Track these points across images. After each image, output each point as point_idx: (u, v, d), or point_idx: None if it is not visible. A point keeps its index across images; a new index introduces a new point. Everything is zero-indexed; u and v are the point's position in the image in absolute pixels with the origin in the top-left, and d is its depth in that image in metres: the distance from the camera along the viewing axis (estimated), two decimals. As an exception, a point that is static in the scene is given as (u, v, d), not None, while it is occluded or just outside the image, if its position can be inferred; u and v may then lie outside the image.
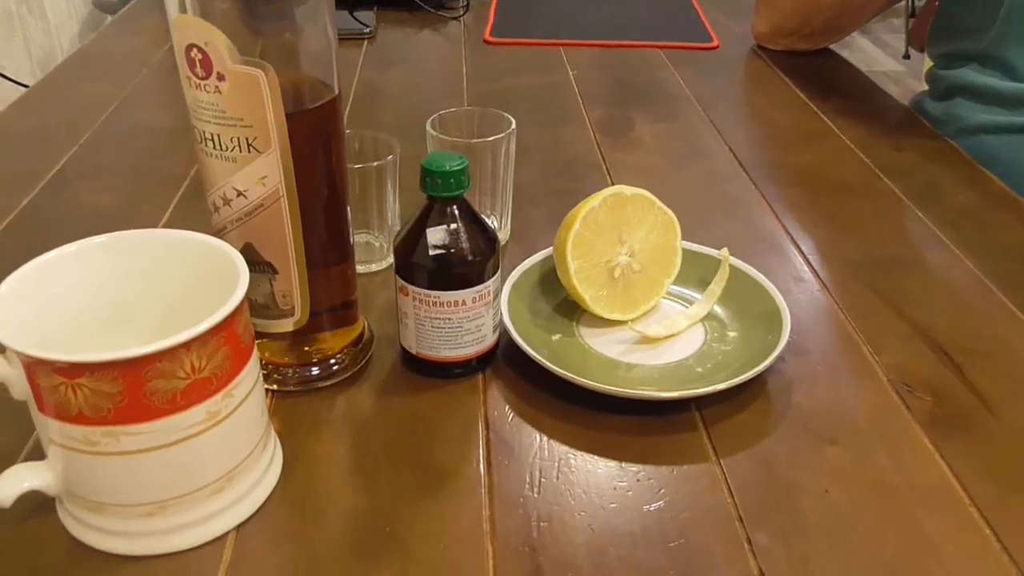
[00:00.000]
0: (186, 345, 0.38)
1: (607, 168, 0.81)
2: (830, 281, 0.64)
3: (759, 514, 0.45)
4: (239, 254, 0.43)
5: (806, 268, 0.66)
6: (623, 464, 0.48)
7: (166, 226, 0.71)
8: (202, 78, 0.43)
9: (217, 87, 0.43)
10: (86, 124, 0.89)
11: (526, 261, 0.61)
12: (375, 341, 0.57)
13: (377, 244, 0.66)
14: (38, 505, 0.43)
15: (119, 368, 0.37)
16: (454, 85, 1.00)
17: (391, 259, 0.64)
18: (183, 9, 0.42)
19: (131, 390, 0.37)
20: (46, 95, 0.97)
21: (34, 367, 0.37)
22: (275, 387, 0.53)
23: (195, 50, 0.43)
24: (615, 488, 0.46)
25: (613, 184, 0.77)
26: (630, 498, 0.46)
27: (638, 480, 0.47)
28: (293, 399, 0.52)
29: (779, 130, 0.90)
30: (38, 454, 0.43)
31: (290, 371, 0.53)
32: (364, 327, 0.57)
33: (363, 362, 0.55)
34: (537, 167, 0.81)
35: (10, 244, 0.68)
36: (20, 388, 0.39)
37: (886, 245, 0.69)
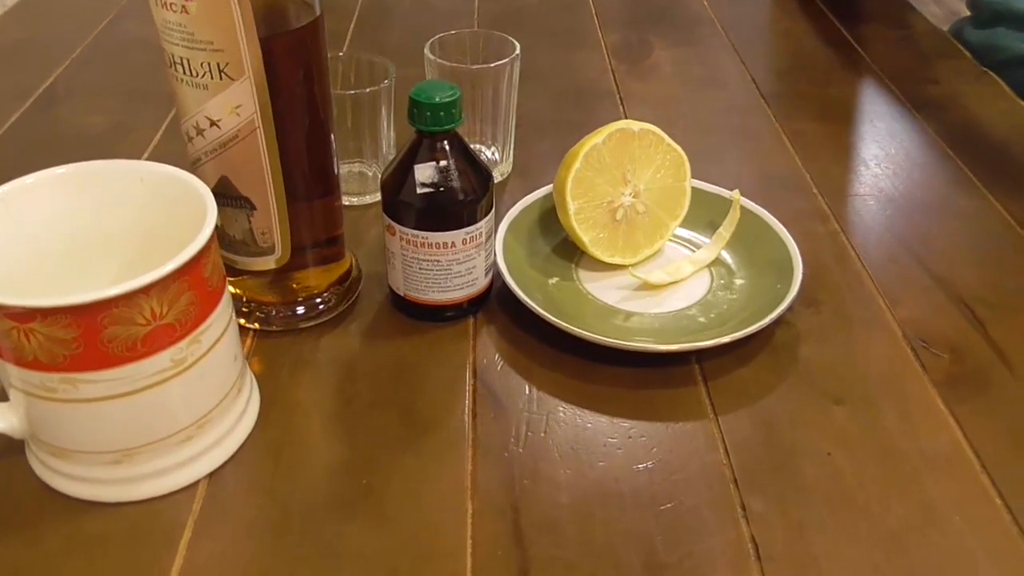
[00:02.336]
0: (145, 290, 0.35)
1: (620, 98, 0.77)
2: (849, 225, 0.61)
3: (755, 477, 0.43)
4: (208, 190, 0.40)
5: (825, 210, 0.62)
6: (614, 419, 0.46)
7: (155, 150, 0.68)
8: (167, -4, 0.40)
9: (184, 6, 0.40)
10: (79, 37, 0.85)
11: (525, 198, 0.57)
12: (363, 279, 0.54)
13: (370, 174, 0.63)
14: (5, 446, 0.42)
15: (72, 314, 0.34)
16: (465, 3, 0.95)
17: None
18: (143, -81, 0.39)
19: (87, 336, 0.35)
20: (38, 5, 0.93)
21: (-17, 310, 0.35)
22: (256, 326, 0.50)
23: (158, -35, 0.39)
24: (605, 445, 0.44)
25: (625, 115, 0.73)
26: (620, 456, 0.44)
27: (630, 437, 0.45)
28: (275, 339, 0.50)
29: (806, 58, 0.85)
30: (3, 394, 0.41)
31: (273, 310, 0.50)
32: (351, 264, 0.54)
33: (350, 302, 0.53)
34: (545, 95, 0.77)
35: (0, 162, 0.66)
36: (-26, 330, 0.36)
37: (913, 187, 0.65)
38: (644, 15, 0.93)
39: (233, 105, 0.42)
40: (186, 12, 0.40)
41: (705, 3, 0.96)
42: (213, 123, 0.43)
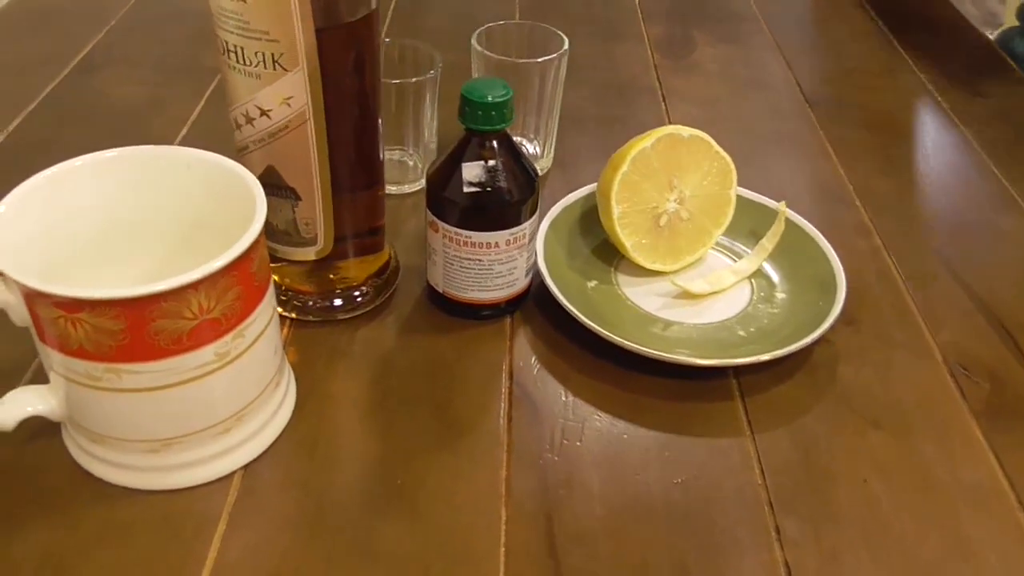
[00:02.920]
0: (194, 285, 0.35)
1: (662, 94, 0.76)
2: (891, 241, 0.60)
3: (791, 500, 0.42)
4: (257, 183, 0.40)
5: (867, 224, 0.61)
6: (651, 431, 0.45)
7: (194, 125, 0.68)
8: (226, -16, 0.39)
9: (242, -5, 0.39)
10: (118, 4, 0.84)
11: (567, 196, 0.57)
12: (401, 271, 0.54)
13: (411, 163, 0.63)
14: (43, 426, 0.42)
15: (121, 306, 0.34)
16: (506, -14, 0.94)
17: (425, 181, 0.60)
18: (207, -96, 0.38)
19: (134, 328, 0.35)
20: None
21: (33, 297, 0.35)
22: (294, 315, 0.50)
23: (219, -48, 0.38)
24: (640, 457, 0.44)
25: (667, 112, 0.72)
26: (655, 470, 0.43)
27: (666, 450, 0.44)
28: (312, 329, 0.50)
29: (850, 62, 0.84)
30: (44, 373, 0.41)
31: (311, 300, 0.50)
32: (390, 255, 0.54)
33: (387, 295, 0.52)
34: (587, 88, 0.76)
35: (29, 137, 0.65)
36: (20, 314, 0.36)
37: (956, 204, 0.64)
38: (688, 7, 0.92)
39: (285, 96, 0.42)
40: (243, 1, 0.39)
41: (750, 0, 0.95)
42: (263, 112, 0.43)
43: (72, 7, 0.83)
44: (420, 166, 0.63)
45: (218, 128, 0.45)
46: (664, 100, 0.75)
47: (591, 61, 0.80)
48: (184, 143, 0.65)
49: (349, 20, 0.42)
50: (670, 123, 0.71)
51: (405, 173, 0.62)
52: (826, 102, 0.76)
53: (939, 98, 0.78)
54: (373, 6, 0.43)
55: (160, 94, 0.71)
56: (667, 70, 0.80)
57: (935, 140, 0.72)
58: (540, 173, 0.64)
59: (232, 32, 0.41)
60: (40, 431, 0.42)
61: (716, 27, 0.88)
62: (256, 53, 0.41)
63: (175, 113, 0.69)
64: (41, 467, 0.41)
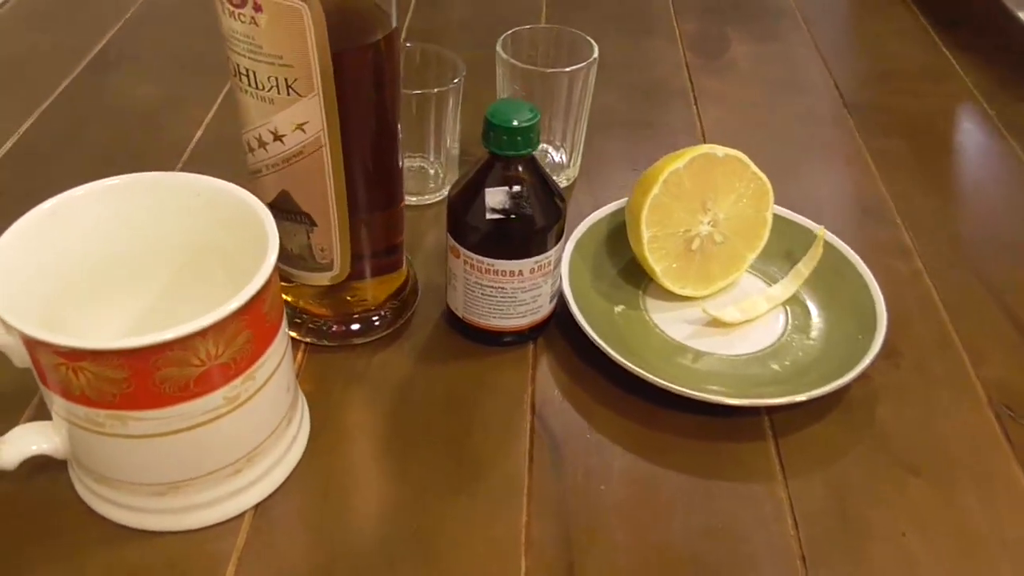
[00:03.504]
0: (201, 333, 0.33)
1: (694, 96, 0.73)
2: (933, 264, 0.57)
3: (824, 554, 0.40)
4: (271, 217, 0.38)
5: (908, 244, 0.59)
6: (679, 473, 0.43)
7: (207, 129, 0.66)
8: (236, 5, 0.37)
9: (253, 18, 0.37)
10: (133, -6, 0.82)
11: (594, 214, 0.54)
12: (420, 291, 0.52)
13: (432, 171, 0.60)
14: (48, 460, 0.41)
15: (124, 356, 0.32)
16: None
17: (447, 191, 0.58)
18: (217, -78, 0.35)
19: (138, 377, 0.33)
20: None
21: (33, 344, 0.33)
22: (309, 340, 0.48)
23: (230, -28, 0.36)
24: (667, 503, 0.42)
25: (698, 116, 0.69)
26: (681, 517, 0.41)
27: (693, 496, 0.42)
28: (327, 354, 0.48)
29: (893, 64, 0.80)
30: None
31: (327, 325, 0.48)
32: (408, 275, 0.52)
33: (406, 318, 0.50)
34: (615, 89, 0.73)
35: (43, 137, 0.63)
36: (21, 357, 0.35)
37: (1003, 224, 0.61)
38: (723, 3, 0.88)
39: (299, 122, 0.40)
40: (256, 24, 0.37)
41: (787, -9, 0.91)
42: (277, 138, 0.41)
43: (88, -4, 0.81)
44: (442, 174, 0.60)
45: (232, 132, 0.43)
46: (696, 103, 0.72)
47: (621, 60, 0.77)
48: (198, 146, 0.64)
49: (368, 42, 0.40)
50: (701, 127, 0.68)
51: (426, 182, 0.60)
52: (866, 108, 0.73)
53: (985, 104, 0.74)
54: (393, 25, 0.41)
55: (174, 94, 0.69)
56: (699, 70, 0.76)
57: (981, 152, 0.68)
58: (567, 182, 0.62)
59: (244, 55, 0.38)
60: (45, 465, 0.41)
61: (751, 24, 0.85)
62: (269, 78, 0.38)
63: (189, 115, 0.67)
64: (46, 504, 0.40)
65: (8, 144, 0.62)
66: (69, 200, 0.38)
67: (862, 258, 0.52)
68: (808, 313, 0.51)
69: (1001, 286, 0.56)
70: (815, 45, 0.82)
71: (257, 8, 0.36)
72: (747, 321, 0.51)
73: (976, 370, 0.50)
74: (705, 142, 0.67)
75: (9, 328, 0.33)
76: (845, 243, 0.53)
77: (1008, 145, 0.69)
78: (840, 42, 0.83)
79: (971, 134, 0.70)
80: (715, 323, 0.50)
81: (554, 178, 0.61)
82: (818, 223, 0.54)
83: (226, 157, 0.61)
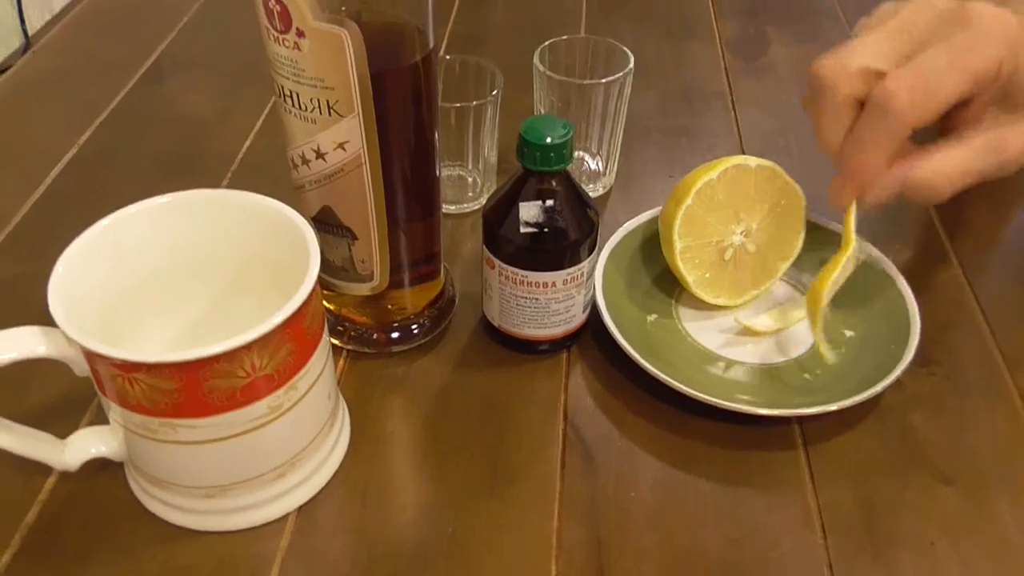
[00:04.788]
0: (247, 347, 0.35)
1: (732, 100, 0.73)
2: (972, 269, 0.57)
3: (852, 563, 0.41)
4: (313, 234, 0.39)
5: (946, 249, 0.58)
6: (709, 481, 0.44)
7: (256, 137, 0.68)
8: (281, 32, 0.38)
9: (296, 43, 0.38)
10: (185, 5, 0.85)
11: (628, 223, 0.55)
12: (457, 299, 0.54)
13: (471, 179, 0.62)
14: (106, 463, 0.43)
15: (175, 368, 0.34)
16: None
17: (485, 199, 0.59)
18: (261, -46, 0.37)
19: (188, 388, 0.35)
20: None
21: (92, 356, 0.35)
22: (351, 347, 0.50)
23: (273, 0, 0.38)
24: (696, 510, 0.43)
25: (736, 120, 0.70)
26: (710, 524, 0.42)
27: (722, 503, 0.43)
28: (368, 361, 0.50)
29: (937, 63, 0.79)
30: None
31: (368, 333, 0.50)
32: (445, 283, 0.53)
33: (444, 326, 0.52)
34: (654, 95, 0.73)
35: (102, 147, 0.66)
36: (81, 368, 0.37)
37: (1046, 229, 0.60)
38: (763, 2, 0.88)
39: (340, 141, 0.41)
40: (298, 49, 0.39)
41: (830, -10, 0.90)
42: (319, 155, 0.42)
43: (143, 7, 0.84)
44: (480, 182, 0.62)
45: (278, 141, 0.45)
46: (734, 107, 0.72)
47: (659, 64, 0.77)
48: (247, 156, 0.66)
49: (406, 63, 0.41)
50: (739, 131, 0.69)
51: (464, 191, 0.61)
52: (908, 109, 0.72)
53: (1032, 104, 0.73)
54: (431, 46, 0.42)
55: (225, 104, 0.71)
56: (739, 72, 0.77)
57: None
58: (603, 190, 0.63)
59: (288, 78, 0.40)
60: (104, 467, 0.43)
61: (792, 24, 0.84)
62: (311, 99, 0.40)
63: (239, 125, 0.69)
64: (105, 504, 0.43)
65: (70, 153, 0.65)
66: (124, 217, 0.40)
67: (899, 264, 0.53)
68: (841, 321, 0.51)
69: (1042, 293, 0.55)
70: (857, 45, 0.81)
71: (300, 34, 0.38)
72: (779, 330, 0.51)
73: (1014, 378, 0.50)
74: (743, 147, 0.67)
75: (71, 341, 0.36)
76: (881, 249, 0.53)
77: (1054, 147, 0.68)
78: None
79: (1016, 136, 0.69)
80: (747, 332, 0.51)
81: (591, 186, 0.63)
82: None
83: (274, 166, 0.63)
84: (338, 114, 0.40)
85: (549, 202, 0.45)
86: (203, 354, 0.34)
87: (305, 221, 0.40)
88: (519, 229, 0.45)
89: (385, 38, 0.41)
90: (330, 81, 0.39)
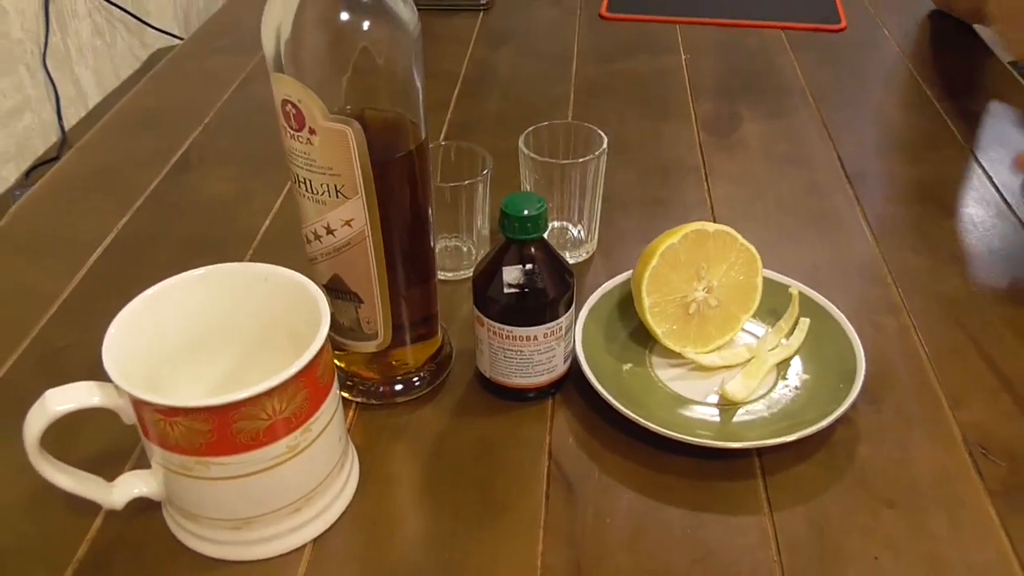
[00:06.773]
0: (268, 393, 0.41)
1: (706, 173, 0.80)
2: (921, 320, 0.63)
3: (803, 577, 0.46)
4: (323, 298, 0.46)
5: (897, 302, 0.65)
6: (678, 509, 0.50)
7: (275, 217, 0.76)
8: (296, 130, 0.46)
9: (309, 139, 0.46)
10: (210, 103, 0.94)
11: (606, 284, 0.62)
12: (454, 355, 0.60)
13: (465, 249, 0.69)
14: (146, 503, 0.49)
15: (209, 412, 0.41)
16: (563, 68, 1.00)
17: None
18: (279, 68, 0.45)
19: (219, 429, 0.42)
20: (173, 73, 1.03)
21: (139, 404, 0.42)
22: (360, 399, 0.57)
23: (289, 105, 0.45)
24: (665, 535, 0.48)
25: (709, 192, 0.77)
26: (678, 548, 0.48)
27: (689, 529, 0.49)
28: (374, 411, 0.56)
29: (894, 133, 0.87)
30: (147, 457, 0.48)
31: (374, 386, 0.57)
32: (443, 341, 0.60)
33: (442, 379, 0.58)
34: (633, 169, 0.81)
35: (137, 231, 0.74)
36: (128, 415, 0.44)
37: (993, 283, 0.66)
38: (736, 84, 0.96)
39: (346, 219, 0.49)
40: (311, 143, 0.46)
41: (798, 70, 0.99)
42: (329, 231, 0.50)
43: (174, 106, 0.94)
44: (475, 252, 0.69)
45: (295, 220, 0.52)
46: (707, 179, 0.79)
47: (639, 143, 0.85)
48: (267, 234, 0.73)
49: (402, 152, 0.49)
50: (711, 202, 0.76)
51: (460, 260, 0.69)
52: (867, 177, 0.79)
53: (983, 171, 0.80)
54: (423, 136, 0.50)
55: (247, 188, 0.79)
56: (712, 147, 0.84)
57: (977, 215, 0.74)
58: (586, 255, 0.70)
59: (301, 167, 0.48)
60: (144, 508, 0.49)
61: (762, 102, 0.92)
62: (321, 184, 0.48)
63: (259, 205, 0.77)
64: (145, 540, 0.49)
65: (108, 238, 0.73)
66: (166, 287, 0.48)
67: (853, 315, 0.59)
68: (796, 366, 0.57)
69: (986, 340, 0.61)
70: (821, 120, 0.89)
71: (312, 132, 0.46)
72: (727, 367, 0.57)
73: (955, 414, 0.55)
74: (714, 215, 0.74)
75: (121, 392, 0.42)
76: (837, 302, 0.59)
77: (1004, 212, 0.75)
78: (846, 113, 0.90)
79: (968, 201, 0.76)
80: (698, 368, 0.57)
81: (575, 252, 0.70)
82: (814, 285, 0.61)
83: (289, 241, 0.71)
84: (344, 196, 0.48)
85: (529, 266, 0.52)
86: (232, 399, 0.41)
87: (318, 288, 0.47)
88: (503, 290, 0.52)
89: (384, 131, 0.48)
90: (337, 169, 0.47)
